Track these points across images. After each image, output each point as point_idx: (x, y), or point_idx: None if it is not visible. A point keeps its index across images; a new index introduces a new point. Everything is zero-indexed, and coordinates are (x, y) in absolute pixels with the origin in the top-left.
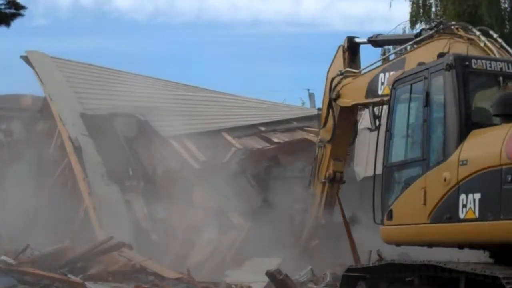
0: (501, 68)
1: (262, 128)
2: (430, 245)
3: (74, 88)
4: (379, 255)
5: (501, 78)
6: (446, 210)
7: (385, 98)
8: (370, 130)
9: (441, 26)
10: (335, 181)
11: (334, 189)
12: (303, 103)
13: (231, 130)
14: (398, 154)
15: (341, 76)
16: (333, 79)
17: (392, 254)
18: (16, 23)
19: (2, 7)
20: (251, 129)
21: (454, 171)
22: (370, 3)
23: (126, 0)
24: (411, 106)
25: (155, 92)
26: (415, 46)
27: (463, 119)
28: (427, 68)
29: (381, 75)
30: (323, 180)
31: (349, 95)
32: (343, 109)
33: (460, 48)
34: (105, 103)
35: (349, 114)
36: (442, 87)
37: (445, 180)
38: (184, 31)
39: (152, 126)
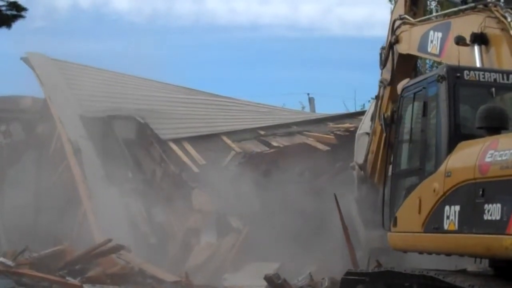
0: (494, 79)
1: (262, 132)
2: (428, 253)
3: (74, 90)
4: (377, 260)
5: (493, 90)
6: (435, 221)
7: (433, 58)
8: (369, 135)
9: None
10: (393, 122)
11: (392, 131)
12: (303, 107)
13: (231, 133)
14: (403, 162)
15: (400, 21)
16: (395, 21)
17: (390, 259)
18: (15, 24)
19: (3, 8)
20: (251, 133)
21: (441, 183)
22: (368, 8)
23: (125, 3)
24: (414, 115)
25: (154, 95)
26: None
27: (452, 130)
28: (426, 78)
29: (431, 32)
30: (381, 123)
31: (405, 42)
32: (401, 55)
33: (492, 32)
34: (105, 106)
35: (407, 61)
36: (436, 97)
37: (434, 191)
38: (183, 34)
39: (152, 129)
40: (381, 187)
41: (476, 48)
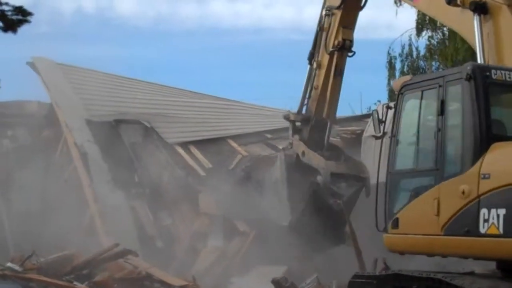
0: None
1: (268, 135)
2: (442, 256)
3: (80, 94)
4: (385, 263)
5: None
6: (464, 223)
7: None
8: (376, 138)
9: None
10: (344, 49)
11: (344, 58)
12: None
13: (237, 137)
14: (406, 161)
15: None
16: None
17: (397, 261)
18: (21, 29)
19: (9, 13)
20: (257, 136)
21: (473, 184)
22: (372, 11)
23: (129, 7)
24: (422, 114)
25: (160, 99)
26: None
27: (484, 131)
28: (442, 76)
29: None
30: (332, 49)
31: None
32: None
33: (493, 4)
34: (111, 110)
35: None
36: (460, 97)
37: (463, 192)
38: (187, 38)
39: (158, 132)
40: (330, 121)
41: (475, 18)
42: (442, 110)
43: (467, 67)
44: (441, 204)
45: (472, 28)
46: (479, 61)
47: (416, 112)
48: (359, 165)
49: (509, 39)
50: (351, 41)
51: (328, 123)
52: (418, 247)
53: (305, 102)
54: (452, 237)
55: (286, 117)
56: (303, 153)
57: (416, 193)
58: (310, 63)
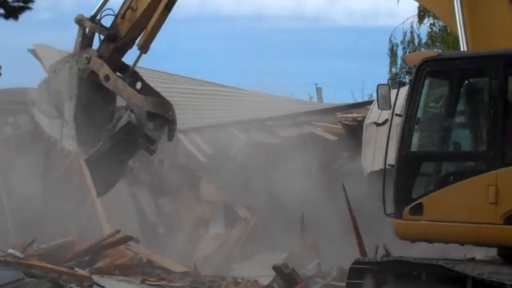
0: None
1: (269, 123)
2: (498, 246)
3: None
4: (386, 250)
5: None
6: None
7: None
8: (377, 124)
9: None
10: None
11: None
12: (310, 98)
13: (238, 124)
14: (430, 142)
15: None
16: None
17: (398, 248)
18: (23, 16)
19: (10, 0)
20: (259, 123)
21: None
22: None
23: None
24: (463, 93)
25: (160, 86)
26: None
27: None
28: (499, 56)
29: None
30: None
31: None
32: None
33: None
34: None
35: None
36: None
37: None
38: (187, 24)
39: None
40: (144, 52)
41: None
42: (500, 92)
43: None
44: (501, 192)
45: (452, 8)
46: (462, 45)
47: (449, 90)
48: (167, 104)
49: (498, 21)
50: None
51: (140, 53)
52: (452, 235)
53: (104, 11)
54: None
55: (79, 21)
56: (107, 77)
57: (454, 178)
58: None
